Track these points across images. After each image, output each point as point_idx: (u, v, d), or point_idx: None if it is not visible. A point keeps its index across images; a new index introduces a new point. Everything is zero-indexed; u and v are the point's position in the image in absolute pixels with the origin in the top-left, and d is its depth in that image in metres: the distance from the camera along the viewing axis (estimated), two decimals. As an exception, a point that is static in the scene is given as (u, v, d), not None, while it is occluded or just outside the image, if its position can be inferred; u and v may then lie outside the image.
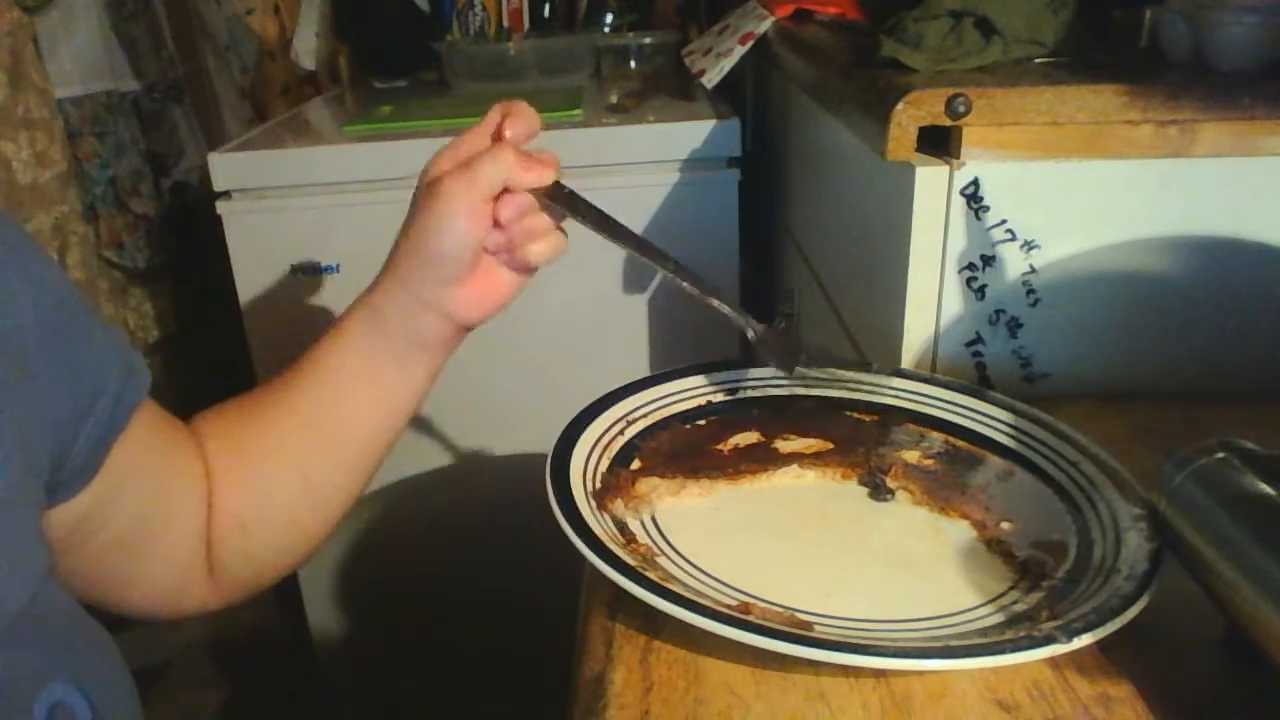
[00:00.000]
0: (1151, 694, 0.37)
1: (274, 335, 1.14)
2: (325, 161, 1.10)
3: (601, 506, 0.48)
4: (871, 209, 0.73)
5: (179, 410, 0.57)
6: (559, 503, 0.46)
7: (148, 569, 0.54)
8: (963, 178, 0.59)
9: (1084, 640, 0.37)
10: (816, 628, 0.40)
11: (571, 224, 0.55)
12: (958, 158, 0.59)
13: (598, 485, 0.50)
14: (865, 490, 0.53)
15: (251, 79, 1.71)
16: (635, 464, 0.54)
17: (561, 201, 0.54)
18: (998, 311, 0.62)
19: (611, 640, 0.41)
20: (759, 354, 0.57)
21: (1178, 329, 0.62)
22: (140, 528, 0.52)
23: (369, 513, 1.22)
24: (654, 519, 0.49)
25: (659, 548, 0.47)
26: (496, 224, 0.53)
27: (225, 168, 1.09)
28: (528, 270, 0.56)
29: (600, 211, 0.55)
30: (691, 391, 0.60)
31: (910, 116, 0.57)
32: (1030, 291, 0.61)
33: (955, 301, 0.62)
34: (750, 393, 0.60)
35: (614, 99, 1.24)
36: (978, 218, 0.60)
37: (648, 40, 1.46)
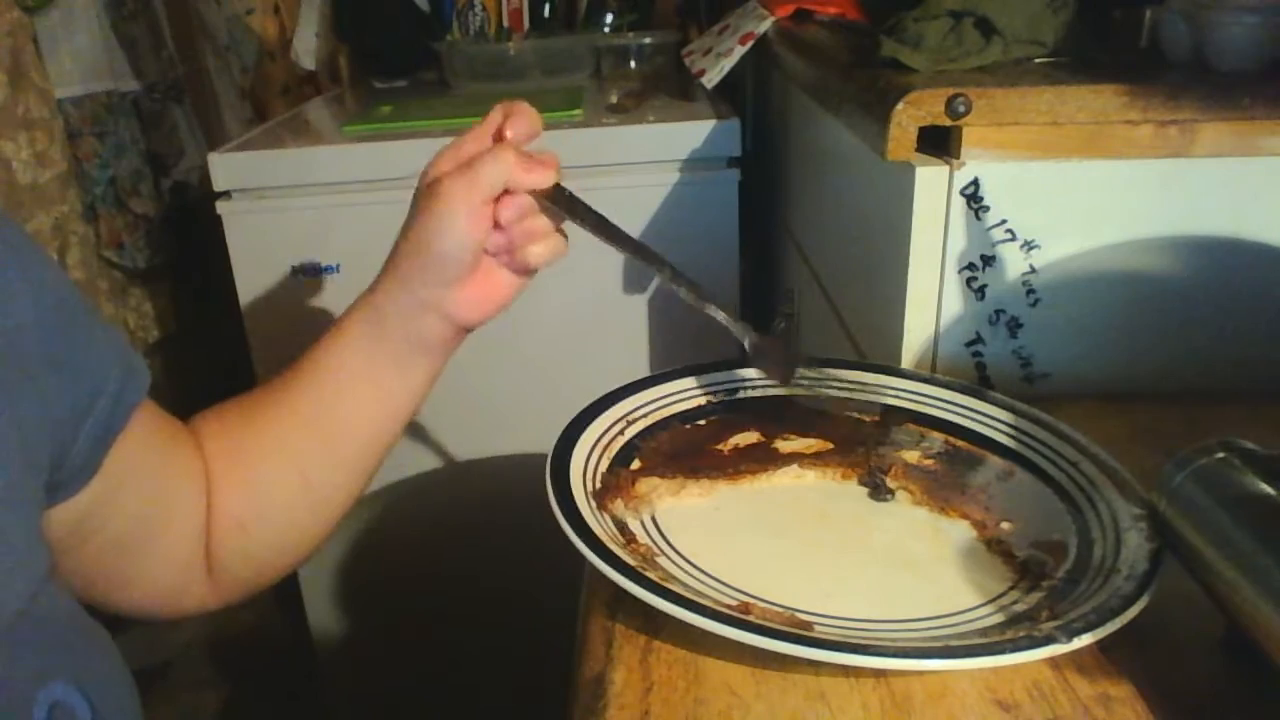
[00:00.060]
0: (1151, 694, 0.37)
1: (274, 335, 1.14)
2: (325, 161, 1.10)
3: (601, 506, 0.48)
4: (871, 209, 0.73)
5: (179, 410, 0.57)
6: (559, 503, 0.46)
7: (147, 569, 0.54)
8: (963, 178, 0.59)
9: (1084, 640, 0.37)
10: (816, 628, 0.40)
11: (570, 226, 0.55)
12: (958, 158, 0.59)
13: (598, 485, 0.50)
14: (865, 490, 0.53)
15: (251, 79, 1.71)
16: (635, 464, 0.54)
17: (561, 204, 0.54)
18: (998, 311, 0.62)
19: (611, 640, 0.41)
20: (755, 364, 0.57)
21: (1178, 329, 0.62)
22: (140, 527, 0.52)
23: (369, 513, 1.22)
24: (654, 519, 0.49)
25: (659, 548, 0.47)
26: (497, 225, 0.53)
27: (225, 168, 1.09)
28: (527, 272, 0.56)
29: (599, 215, 0.55)
30: (691, 391, 0.60)
31: (910, 116, 0.57)
32: (1030, 291, 0.61)
33: (955, 301, 0.62)
34: (750, 393, 0.60)
35: (614, 99, 1.24)
36: (978, 218, 0.60)
37: (648, 40, 1.46)
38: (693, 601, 0.39)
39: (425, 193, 0.53)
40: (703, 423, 0.58)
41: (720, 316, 0.55)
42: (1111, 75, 0.58)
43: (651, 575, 0.41)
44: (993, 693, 0.37)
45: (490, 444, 1.20)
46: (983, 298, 0.62)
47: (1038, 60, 0.65)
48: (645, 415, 0.57)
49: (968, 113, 0.56)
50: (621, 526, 0.48)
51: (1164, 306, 0.62)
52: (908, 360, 0.63)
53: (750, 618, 0.39)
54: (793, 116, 1.11)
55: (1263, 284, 0.61)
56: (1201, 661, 0.40)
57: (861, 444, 0.56)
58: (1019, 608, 0.42)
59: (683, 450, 0.55)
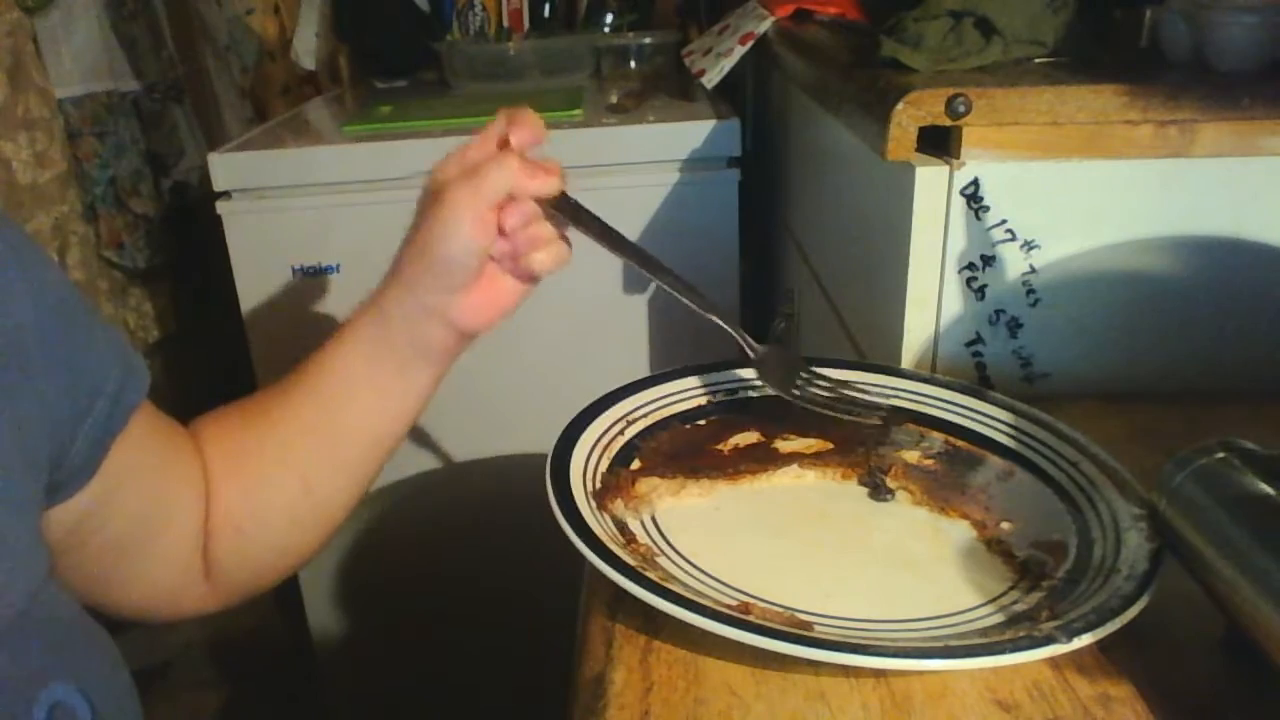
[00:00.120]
0: (1151, 694, 0.37)
1: (274, 335, 1.14)
2: (325, 161, 1.11)
3: (601, 506, 0.48)
4: (871, 209, 0.73)
5: (179, 410, 0.57)
6: (559, 503, 0.46)
7: (146, 570, 0.54)
8: (963, 178, 0.59)
9: (1084, 640, 0.37)
10: (816, 628, 0.40)
11: (572, 232, 0.56)
12: (958, 158, 0.59)
13: (598, 485, 0.50)
14: (865, 490, 0.53)
15: (251, 79, 1.71)
16: (635, 464, 0.54)
17: (566, 211, 0.54)
18: (998, 311, 0.62)
19: (611, 640, 0.41)
20: (760, 375, 0.57)
21: (1178, 329, 0.62)
22: (138, 528, 0.52)
23: (369, 513, 1.22)
24: (654, 519, 0.49)
25: (659, 548, 0.47)
26: (501, 232, 0.53)
27: (225, 168, 1.09)
28: (531, 279, 0.56)
29: (602, 222, 0.55)
30: (691, 391, 0.60)
31: (910, 116, 0.57)
32: (1030, 291, 0.61)
33: (955, 301, 0.62)
34: (750, 393, 0.60)
35: (614, 99, 1.24)
36: (978, 218, 0.60)
37: (648, 40, 1.46)
38: (693, 601, 0.39)
39: (430, 199, 0.53)
40: (703, 423, 0.58)
41: (723, 325, 0.55)
42: (1111, 75, 0.58)
43: (651, 575, 0.41)
44: (993, 693, 0.37)
45: (490, 444, 1.20)
46: (983, 298, 0.62)
47: (1038, 60, 0.65)
48: (645, 415, 0.57)
49: (968, 113, 0.56)
50: (621, 526, 0.48)
51: (1164, 306, 0.62)
52: (908, 360, 0.63)
53: (750, 618, 0.39)
54: (793, 116, 1.11)
55: (1263, 284, 0.61)
56: (1201, 661, 0.40)
57: (861, 444, 0.56)
58: (1019, 608, 0.42)
59: (683, 450, 0.55)
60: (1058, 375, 0.63)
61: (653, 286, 1.13)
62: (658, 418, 0.57)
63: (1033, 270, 0.61)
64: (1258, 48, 0.57)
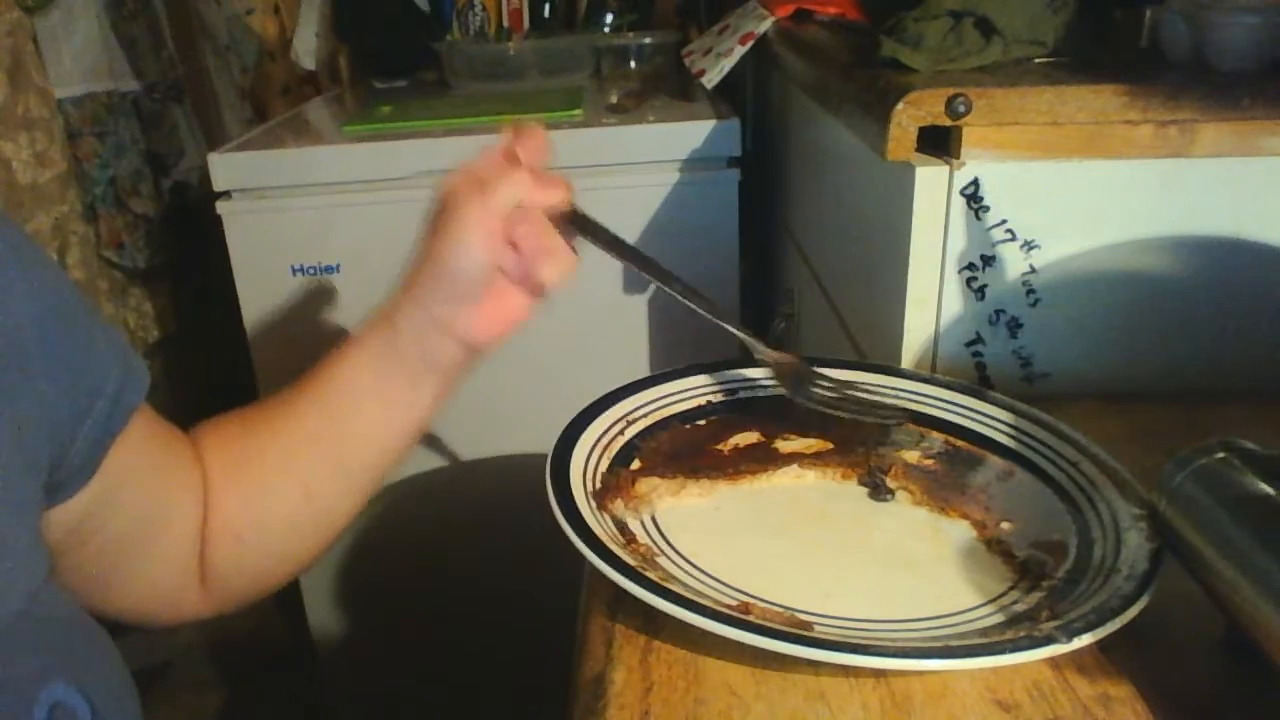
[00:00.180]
0: (1151, 694, 0.37)
1: (274, 335, 1.14)
2: (325, 161, 1.10)
3: (601, 506, 0.48)
4: (871, 209, 0.73)
5: (179, 409, 0.57)
6: (559, 503, 0.46)
7: (145, 572, 0.54)
8: (963, 178, 0.59)
9: (1084, 640, 0.37)
10: (816, 628, 0.40)
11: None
12: (958, 158, 0.59)
13: (598, 485, 0.50)
14: (865, 490, 0.53)
15: (251, 79, 1.71)
16: (635, 464, 0.54)
17: (575, 223, 0.54)
18: (998, 311, 0.62)
19: (611, 640, 0.41)
20: (776, 380, 0.57)
21: (1178, 329, 0.62)
22: (138, 528, 0.52)
23: (369, 513, 1.20)
24: (654, 519, 0.49)
25: (659, 548, 0.47)
26: (511, 245, 0.53)
27: (225, 168, 1.09)
28: (540, 292, 0.56)
29: (611, 233, 0.55)
30: (691, 391, 0.60)
31: (910, 116, 0.57)
32: (1030, 291, 0.61)
33: (955, 301, 0.62)
34: (750, 393, 0.60)
35: (614, 99, 1.24)
36: (978, 218, 0.60)
37: (648, 40, 1.46)
38: (693, 601, 0.39)
39: (440, 212, 0.53)
40: (703, 423, 0.58)
41: (735, 332, 0.56)
42: (1111, 75, 0.58)
43: (651, 575, 0.41)
44: (993, 693, 0.37)
45: (490, 444, 1.20)
46: (983, 298, 0.62)
47: (1038, 60, 0.65)
48: (645, 415, 0.57)
49: (968, 113, 0.56)
50: (621, 526, 0.48)
51: (1164, 306, 0.62)
52: (908, 360, 0.63)
53: (750, 618, 0.39)
54: (793, 116, 1.11)
55: (1263, 284, 0.61)
56: (1201, 661, 0.40)
57: (861, 444, 0.56)
58: (1019, 608, 0.42)
59: (683, 450, 0.55)
60: (1058, 375, 0.63)
61: (653, 287, 1.13)
62: (658, 418, 0.57)
63: (1033, 270, 0.61)
64: (1258, 48, 0.57)
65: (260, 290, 1.12)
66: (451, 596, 1.26)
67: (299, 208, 1.10)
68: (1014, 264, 0.61)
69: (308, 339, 1.13)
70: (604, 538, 0.43)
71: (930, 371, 0.62)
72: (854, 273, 0.81)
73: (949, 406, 0.57)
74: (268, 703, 1.59)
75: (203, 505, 0.56)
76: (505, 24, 1.52)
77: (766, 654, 0.38)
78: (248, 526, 0.57)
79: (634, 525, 0.48)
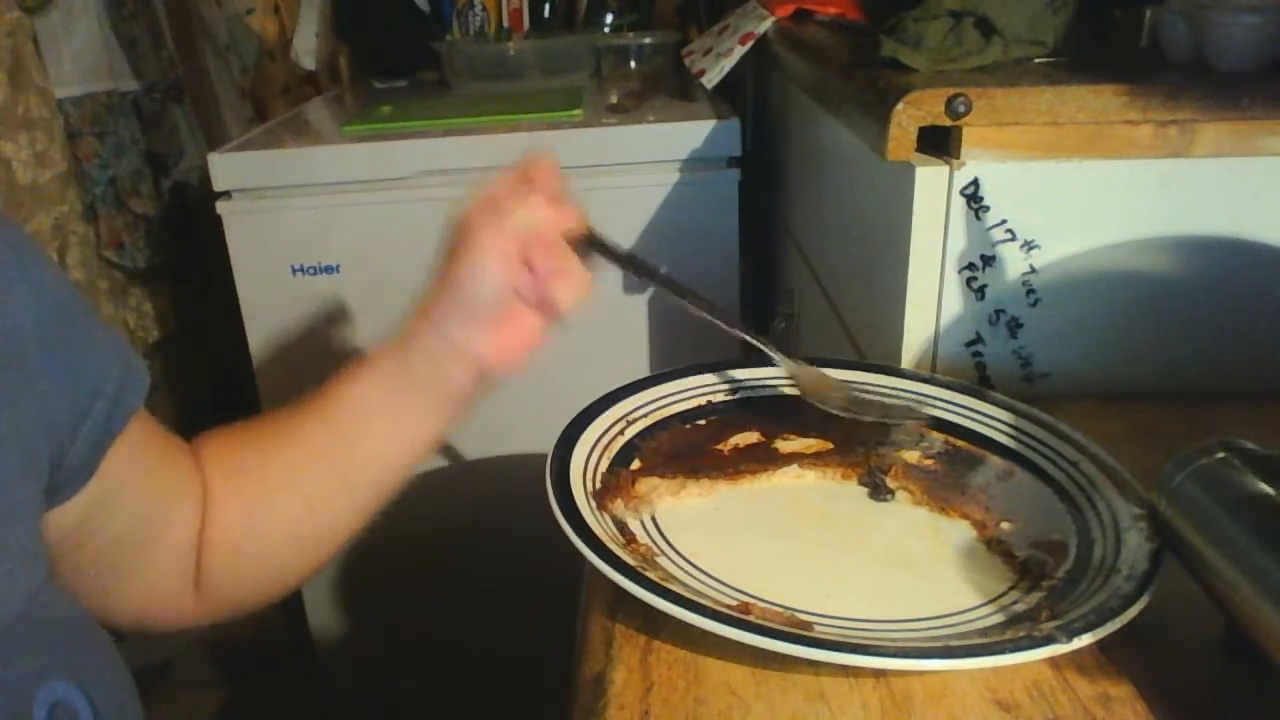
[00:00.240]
0: (1151, 694, 0.37)
1: (274, 335, 1.14)
2: (325, 161, 1.10)
3: (601, 506, 0.48)
4: (871, 209, 0.73)
5: (180, 409, 0.57)
6: (559, 503, 0.46)
7: (143, 576, 0.54)
8: (963, 178, 0.59)
9: (1084, 640, 0.37)
10: (816, 628, 0.40)
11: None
12: (958, 158, 0.59)
13: (598, 485, 0.50)
14: (865, 490, 0.53)
15: (251, 79, 1.71)
16: (635, 464, 0.54)
17: (591, 245, 0.54)
18: (998, 311, 0.62)
19: (611, 640, 0.41)
20: (799, 390, 0.57)
21: (1178, 329, 0.62)
22: (137, 529, 0.52)
23: (369, 513, 1.22)
24: (654, 519, 0.49)
25: (659, 548, 0.47)
26: (526, 267, 0.53)
27: (225, 168, 1.09)
28: (555, 315, 0.56)
29: (628, 253, 0.55)
30: (691, 391, 0.60)
31: (910, 116, 0.57)
32: (1030, 291, 0.61)
33: (955, 301, 0.62)
34: (750, 393, 0.60)
35: (614, 99, 1.24)
36: (978, 218, 0.60)
37: (648, 40, 1.46)
38: (693, 601, 0.39)
39: (456, 236, 0.53)
40: (703, 423, 0.58)
41: (759, 344, 0.56)
42: (1111, 75, 0.58)
43: (651, 575, 0.41)
44: (993, 693, 0.37)
45: (490, 444, 1.20)
46: (983, 298, 0.62)
47: (1038, 60, 0.65)
48: (645, 415, 0.57)
49: (968, 113, 0.56)
50: (621, 526, 0.48)
51: (1164, 306, 0.62)
52: (908, 360, 0.63)
53: (750, 618, 0.39)
54: (793, 116, 1.11)
55: (1263, 284, 0.61)
56: (1201, 661, 0.40)
57: (861, 444, 0.56)
58: (1019, 608, 0.42)
59: (683, 450, 0.55)
60: (1058, 375, 0.63)
61: (653, 286, 1.13)
62: (658, 418, 0.57)
63: (1033, 270, 0.61)
64: (1258, 48, 0.57)
65: (260, 290, 1.12)
66: (451, 596, 1.26)
67: (299, 208, 1.10)
68: (1014, 264, 0.61)
69: (308, 339, 1.13)
70: (604, 538, 0.43)
71: (930, 371, 0.62)
72: (854, 273, 0.81)
73: (949, 406, 0.57)
74: (268, 703, 1.59)
75: (201, 513, 0.56)
76: (505, 24, 1.52)
77: (766, 654, 0.38)
78: (246, 537, 0.57)
79: (634, 525, 0.48)
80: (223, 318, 1.27)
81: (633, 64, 1.46)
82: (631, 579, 0.40)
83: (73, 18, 1.39)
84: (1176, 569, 0.40)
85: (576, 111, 1.19)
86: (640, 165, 1.10)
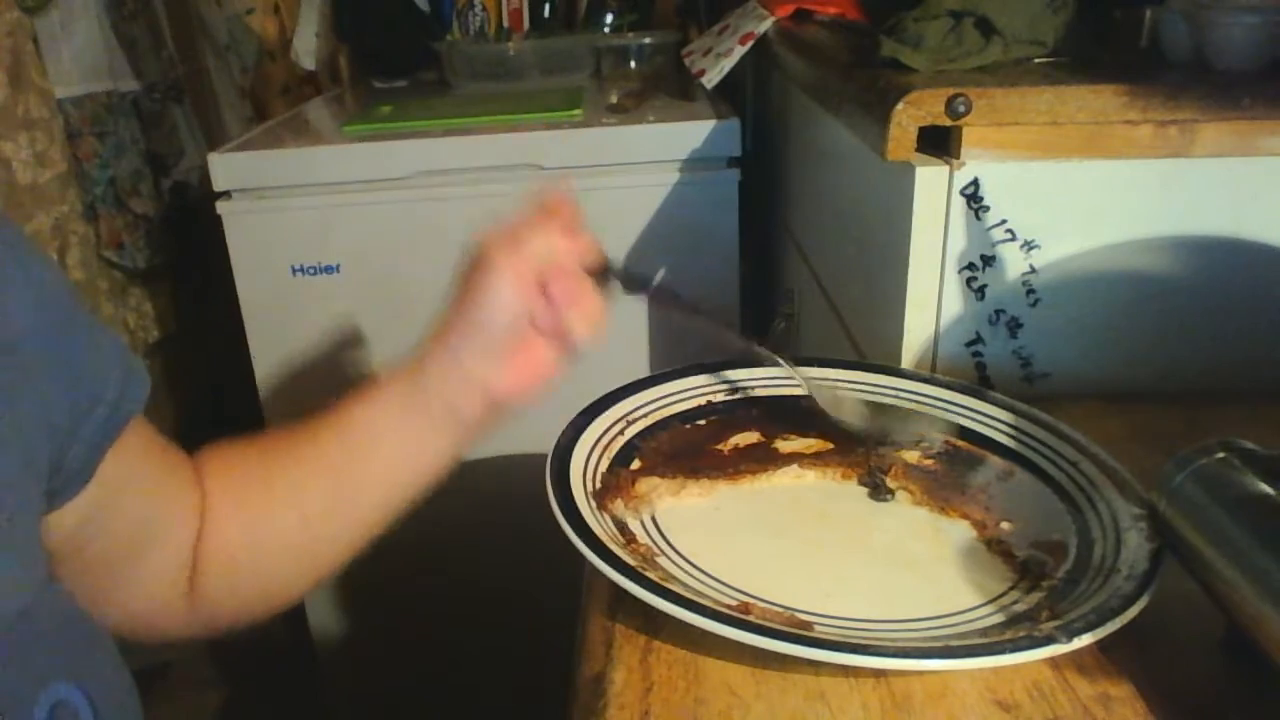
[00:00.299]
0: (1151, 694, 0.37)
1: (274, 335, 1.14)
2: (325, 161, 1.10)
3: (601, 506, 0.48)
4: (871, 209, 0.73)
5: (180, 409, 0.57)
6: (559, 503, 0.46)
7: (140, 582, 0.54)
8: (963, 178, 0.59)
9: (1084, 640, 0.37)
10: (816, 628, 0.40)
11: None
12: (958, 158, 0.59)
13: (598, 485, 0.50)
14: (865, 490, 0.53)
15: (251, 79, 1.71)
16: (635, 464, 0.54)
17: (613, 275, 0.55)
18: (998, 311, 0.62)
19: (611, 640, 0.41)
20: (834, 419, 0.57)
21: (1178, 329, 0.62)
22: (137, 531, 0.52)
23: (369, 513, 1.22)
24: (654, 519, 0.49)
25: (659, 548, 0.47)
26: (542, 296, 0.53)
27: (225, 168, 1.09)
28: (570, 346, 0.56)
29: (646, 279, 0.56)
30: (691, 391, 0.60)
31: (910, 116, 0.57)
32: (1030, 291, 0.61)
33: (955, 301, 0.62)
34: (750, 393, 0.60)
35: (614, 99, 1.24)
36: (978, 218, 0.60)
37: (648, 40, 1.46)
38: (693, 601, 0.39)
39: (472, 264, 0.53)
40: (703, 423, 0.58)
41: (783, 363, 0.56)
42: (1111, 75, 0.58)
43: (651, 575, 0.41)
44: (993, 693, 0.37)
45: (490, 444, 1.19)
46: (983, 298, 0.62)
47: (1038, 60, 0.65)
48: (645, 415, 0.57)
49: (968, 113, 0.56)
50: (621, 526, 0.48)
51: (1164, 306, 0.62)
52: (908, 360, 0.63)
53: (750, 618, 0.39)
54: (793, 116, 1.11)
55: (1263, 284, 0.61)
56: (1201, 661, 0.40)
57: (861, 444, 0.56)
58: (1019, 608, 0.42)
59: (683, 450, 0.55)
60: (1058, 375, 0.63)
61: (653, 286, 1.13)
62: (658, 418, 0.57)
63: (1033, 270, 0.61)
64: (1258, 48, 0.57)
65: (260, 290, 1.12)
66: (451, 596, 1.26)
67: (299, 208, 1.10)
68: (1014, 264, 0.61)
69: (308, 339, 1.13)
70: (604, 538, 0.43)
71: (930, 371, 0.62)
72: (854, 273, 0.81)
73: (949, 406, 0.57)
74: (268, 703, 1.58)
75: (198, 525, 0.56)
76: (505, 24, 1.52)
77: (766, 654, 0.38)
78: (244, 550, 0.57)
79: (634, 525, 0.48)
80: (223, 318, 1.27)
81: (633, 64, 1.46)
82: (631, 579, 0.40)
83: (73, 18, 1.39)
84: (1176, 569, 0.40)
85: (576, 111, 1.19)
86: (640, 165, 1.10)
